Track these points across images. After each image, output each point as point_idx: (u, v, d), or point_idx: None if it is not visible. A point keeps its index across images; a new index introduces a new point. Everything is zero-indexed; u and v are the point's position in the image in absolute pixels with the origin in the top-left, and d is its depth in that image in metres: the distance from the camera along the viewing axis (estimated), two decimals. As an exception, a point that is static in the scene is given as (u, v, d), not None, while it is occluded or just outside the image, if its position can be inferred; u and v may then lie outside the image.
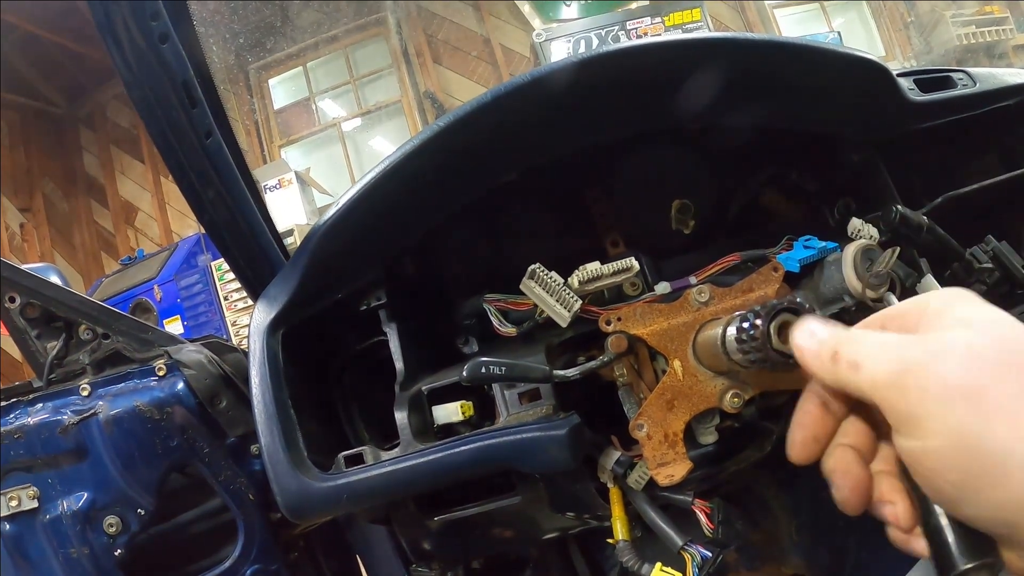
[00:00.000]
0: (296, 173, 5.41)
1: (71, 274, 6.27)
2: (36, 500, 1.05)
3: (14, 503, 1.05)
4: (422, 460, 0.64)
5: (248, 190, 0.86)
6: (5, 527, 1.07)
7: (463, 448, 0.63)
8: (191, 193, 0.83)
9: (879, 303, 0.76)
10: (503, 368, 0.59)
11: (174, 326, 4.13)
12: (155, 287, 4.23)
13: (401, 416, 0.69)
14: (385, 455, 0.68)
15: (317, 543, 1.16)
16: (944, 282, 0.83)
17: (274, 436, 0.69)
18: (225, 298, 4.72)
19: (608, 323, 0.66)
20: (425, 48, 6.17)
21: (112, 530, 1.04)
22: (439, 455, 0.64)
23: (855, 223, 0.80)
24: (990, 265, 0.87)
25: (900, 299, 0.76)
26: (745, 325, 0.48)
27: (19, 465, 1.06)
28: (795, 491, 1.29)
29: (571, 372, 0.65)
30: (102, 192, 6.72)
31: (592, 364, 0.65)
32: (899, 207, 0.80)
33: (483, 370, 0.59)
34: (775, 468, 1.27)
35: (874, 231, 0.80)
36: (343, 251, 0.75)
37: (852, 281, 0.75)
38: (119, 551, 1.04)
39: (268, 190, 5.15)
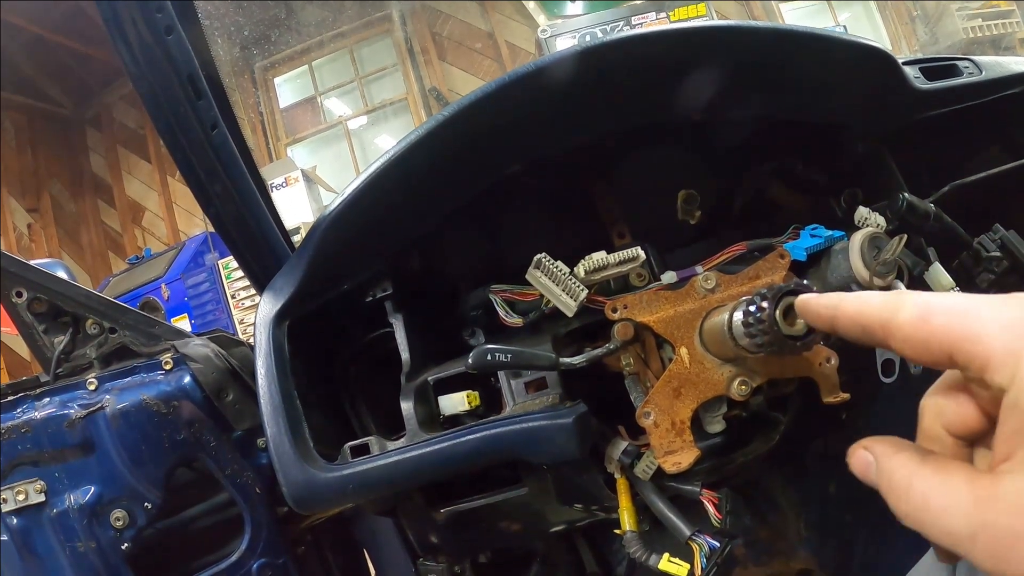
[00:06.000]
0: (302, 171, 5.42)
1: (79, 274, 6.30)
2: (43, 494, 1.05)
3: (21, 497, 1.05)
4: (428, 450, 0.64)
5: (254, 183, 0.86)
6: (12, 521, 1.07)
7: (469, 438, 0.63)
8: (197, 186, 0.83)
9: (886, 291, 0.76)
10: (509, 355, 0.59)
11: (182, 324, 4.14)
12: (162, 286, 4.24)
13: (407, 406, 0.69)
14: (391, 445, 0.68)
15: (324, 537, 1.16)
16: (952, 271, 0.82)
17: (280, 427, 0.69)
18: (232, 296, 4.73)
19: (614, 311, 0.65)
20: (430, 45, 6.18)
21: (119, 524, 1.04)
22: (444, 445, 0.63)
23: (862, 211, 0.80)
24: (998, 254, 0.86)
25: (908, 287, 0.75)
26: (752, 309, 0.47)
27: (26, 459, 1.06)
28: (802, 486, 1.29)
29: (577, 360, 0.64)
30: (109, 192, 6.75)
31: (598, 352, 0.65)
32: (906, 195, 0.80)
33: (489, 357, 0.58)
34: (782, 463, 1.27)
35: (881, 219, 0.80)
36: (348, 243, 0.74)
37: (859, 269, 0.74)
38: (126, 545, 1.04)
39: (275, 188, 5.16)
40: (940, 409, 0.38)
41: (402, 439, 0.68)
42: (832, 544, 1.23)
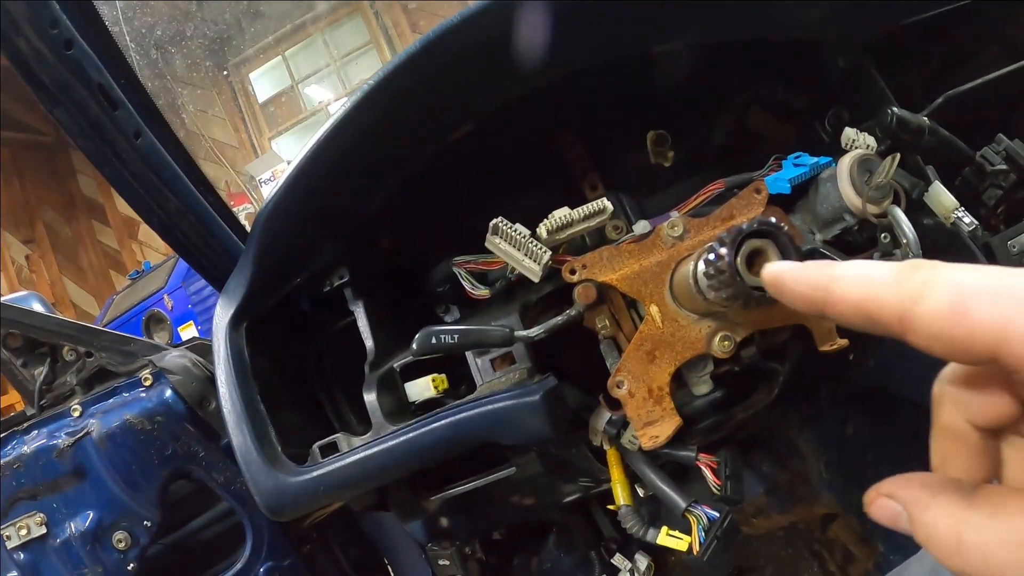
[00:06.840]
0: (289, 163, 5.34)
1: (83, 297, 6.32)
2: (44, 526, 1.05)
3: (24, 532, 1.05)
4: (394, 443, 0.59)
5: (194, 184, 0.81)
6: (19, 556, 1.07)
7: (434, 426, 0.58)
8: (134, 199, 0.78)
9: (883, 218, 0.70)
10: (456, 336, 0.53)
11: (189, 332, 4.11)
12: (164, 297, 4.21)
13: (371, 398, 0.65)
14: (357, 441, 0.64)
15: (331, 533, 1.14)
16: (954, 190, 0.75)
17: (245, 435, 0.65)
18: (236, 298, 4.68)
19: (573, 272, 0.59)
20: (401, 18, 6.01)
21: (122, 545, 1.04)
22: (411, 436, 0.59)
23: (848, 133, 0.73)
24: (1004, 167, 0.78)
25: (906, 212, 0.69)
26: (711, 257, 0.41)
27: (23, 494, 1.06)
28: (819, 427, 1.24)
29: (534, 331, 0.59)
30: (102, 211, 6.72)
31: (558, 320, 0.59)
32: (895, 109, 0.73)
33: (434, 340, 0.53)
34: (796, 405, 1.22)
35: (871, 140, 0.73)
36: (293, 232, 0.69)
37: (850, 196, 0.68)
38: (132, 565, 1.04)
39: (262, 183, 5.10)
40: (962, 401, 0.31)
41: (369, 433, 0.64)
42: (855, 486, 1.19)
